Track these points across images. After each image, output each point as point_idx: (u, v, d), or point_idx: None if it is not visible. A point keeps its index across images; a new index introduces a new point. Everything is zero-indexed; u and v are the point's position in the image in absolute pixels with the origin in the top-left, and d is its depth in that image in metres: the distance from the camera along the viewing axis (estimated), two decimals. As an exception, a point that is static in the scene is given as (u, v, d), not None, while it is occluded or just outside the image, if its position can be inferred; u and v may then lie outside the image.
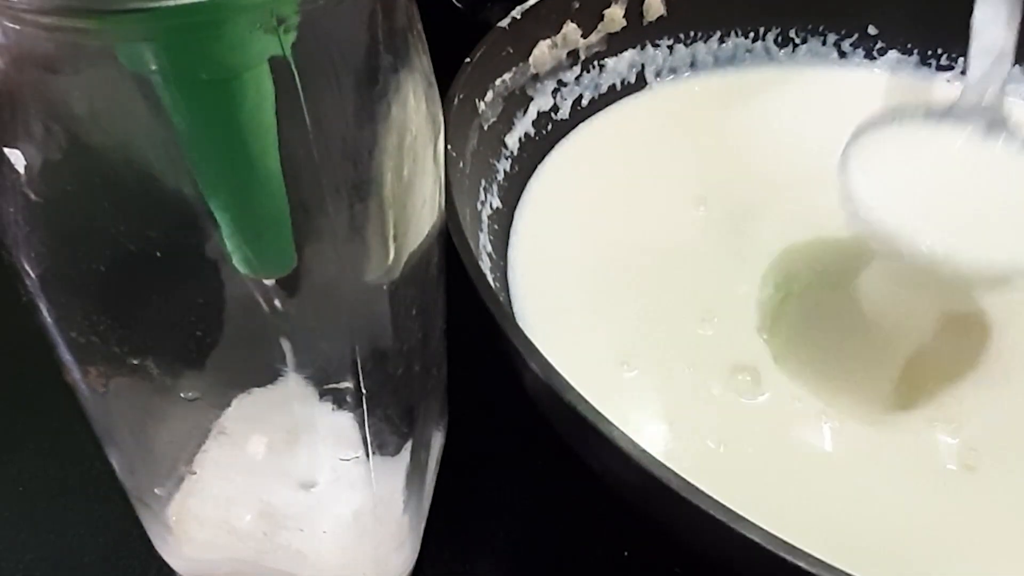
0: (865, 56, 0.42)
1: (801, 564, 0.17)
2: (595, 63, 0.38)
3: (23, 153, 0.14)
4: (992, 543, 0.25)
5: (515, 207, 0.35)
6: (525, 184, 0.36)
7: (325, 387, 0.19)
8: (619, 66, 0.39)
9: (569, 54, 0.37)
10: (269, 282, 0.17)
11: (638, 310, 0.31)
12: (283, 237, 0.16)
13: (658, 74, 0.41)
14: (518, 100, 0.35)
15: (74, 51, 0.13)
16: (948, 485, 0.26)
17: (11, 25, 0.13)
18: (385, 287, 0.18)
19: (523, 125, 0.36)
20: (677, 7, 0.39)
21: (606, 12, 0.38)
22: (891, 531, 0.25)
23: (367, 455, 0.21)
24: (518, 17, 0.34)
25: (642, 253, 0.33)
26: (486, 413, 0.30)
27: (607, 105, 0.40)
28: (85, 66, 0.13)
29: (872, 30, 0.42)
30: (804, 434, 0.27)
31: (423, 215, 0.19)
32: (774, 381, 0.29)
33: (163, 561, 0.25)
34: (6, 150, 0.14)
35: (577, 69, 0.38)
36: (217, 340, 0.18)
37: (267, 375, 0.19)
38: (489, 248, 0.31)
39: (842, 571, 0.17)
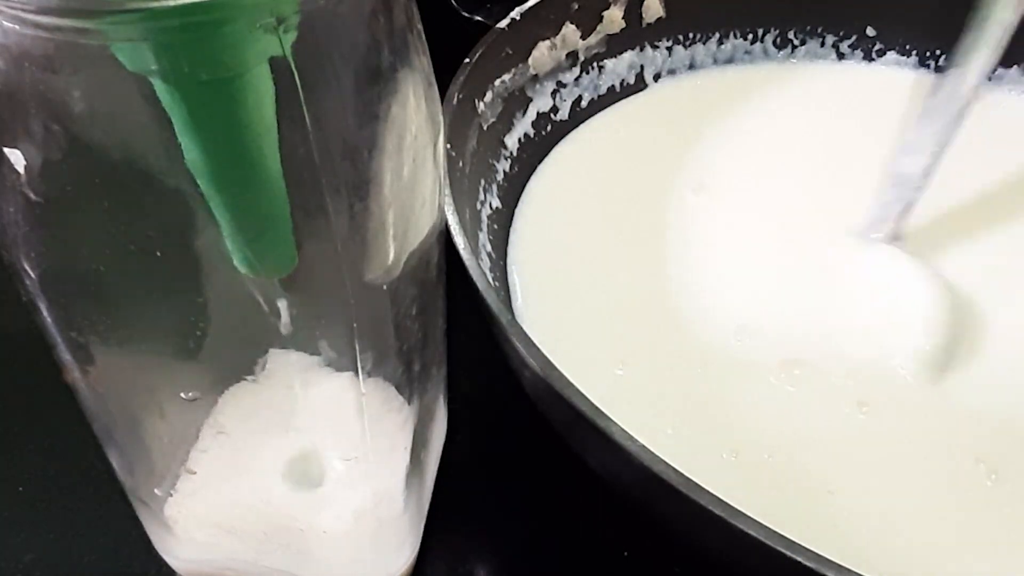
0: (864, 57, 0.42)
1: (800, 559, 0.17)
2: (594, 64, 0.38)
3: (23, 153, 0.14)
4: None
5: (515, 207, 0.35)
6: (525, 184, 0.36)
7: (325, 386, 0.19)
8: (618, 67, 0.39)
9: (568, 55, 0.37)
10: (269, 282, 0.17)
11: (639, 310, 0.31)
12: (284, 237, 0.16)
13: (657, 75, 0.41)
14: (517, 101, 0.35)
15: (74, 51, 0.13)
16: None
17: (11, 25, 0.13)
18: (385, 287, 0.18)
19: (522, 126, 0.36)
20: (676, 9, 0.39)
21: (605, 13, 0.38)
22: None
23: (367, 455, 0.21)
24: (517, 18, 0.34)
25: (642, 253, 0.33)
26: (486, 413, 0.30)
27: (606, 106, 0.40)
28: (85, 66, 0.13)
29: (870, 31, 0.42)
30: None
31: (423, 215, 0.19)
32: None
33: (163, 561, 0.25)
34: (6, 150, 0.14)
35: (576, 70, 0.38)
36: (217, 341, 0.19)
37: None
38: (489, 248, 0.31)
39: (843, 567, 0.17)
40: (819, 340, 0.30)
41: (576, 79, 0.38)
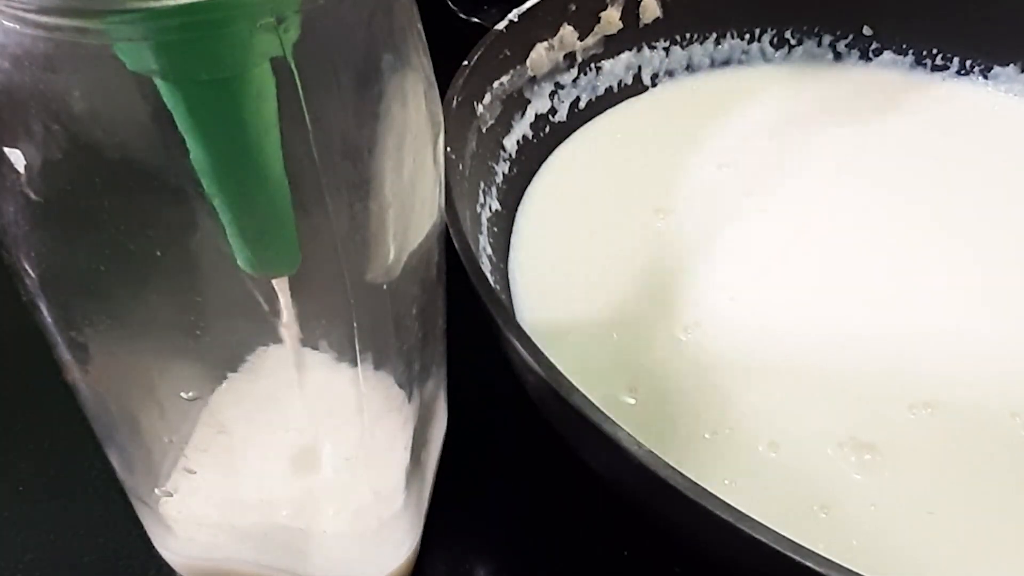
0: (860, 57, 0.42)
1: (809, 564, 0.17)
2: (592, 65, 0.39)
3: (23, 153, 0.14)
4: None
5: (515, 210, 0.35)
6: (525, 187, 0.36)
7: (325, 386, 0.19)
8: (616, 68, 0.39)
9: (566, 56, 0.37)
10: (268, 281, 0.17)
11: (640, 311, 0.31)
12: (286, 236, 0.16)
13: (655, 76, 0.41)
14: (516, 103, 0.35)
15: (74, 51, 0.13)
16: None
17: (11, 25, 0.13)
18: (385, 287, 0.18)
19: (521, 127, 0.36)
20: (673, 9, 0.40)
21: (602, 14, 0.38)
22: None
23: (367, 454, 0.21)
24: (515, 20, 0.34)
25: (643, 255, 0.33)
26: (486, 413, 0.30)
27: (605, 107, 0.40)
28: (85, 66, 0.13)
29: (867, 31, 0.42)
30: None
31: (423, 215, 0.19)
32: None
33: (163, 561, 0.25)
34: (6, 150, 0.14)
35: (574, 71, 0.38)
36: (218, 340, 0.19)
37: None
38: (489, 251, 0.31)
39: (850, 571, 0.17)
40: (841, 345, 0.30)
41: (574, 80, 0.38)
